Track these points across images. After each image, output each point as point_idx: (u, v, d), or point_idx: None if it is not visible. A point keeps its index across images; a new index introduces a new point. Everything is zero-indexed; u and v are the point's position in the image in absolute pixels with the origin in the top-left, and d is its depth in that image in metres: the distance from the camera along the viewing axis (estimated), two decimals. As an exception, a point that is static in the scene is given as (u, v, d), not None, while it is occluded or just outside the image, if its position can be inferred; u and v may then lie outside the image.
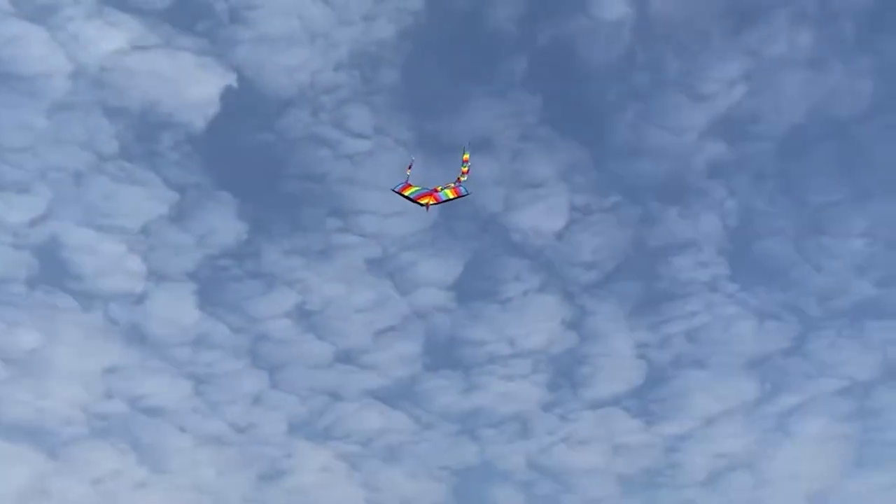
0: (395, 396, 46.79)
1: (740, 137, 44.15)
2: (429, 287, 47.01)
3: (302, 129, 45.97)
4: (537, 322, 46.20)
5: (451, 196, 26.28)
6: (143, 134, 45.74)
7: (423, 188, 26.56)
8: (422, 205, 26.12)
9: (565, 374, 46.21)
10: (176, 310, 45.13)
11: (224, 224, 46.72)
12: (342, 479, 43.94)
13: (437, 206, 26.58)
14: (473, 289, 47.36)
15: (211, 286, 47.31)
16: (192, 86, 45.59)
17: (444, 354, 47.62)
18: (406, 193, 26.21)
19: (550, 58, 43.97)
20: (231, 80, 45.26)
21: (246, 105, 46.11)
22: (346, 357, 46.47)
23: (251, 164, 47.07)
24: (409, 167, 27.28)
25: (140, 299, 44.82)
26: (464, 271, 46.58)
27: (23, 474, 41.63)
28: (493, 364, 45.94)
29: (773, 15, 42.36)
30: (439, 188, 26.75)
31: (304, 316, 46.30)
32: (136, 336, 44.61)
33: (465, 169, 27.25)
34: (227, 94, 45.40)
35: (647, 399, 45.24)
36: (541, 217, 45.67)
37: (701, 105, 43.84)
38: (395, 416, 45.30)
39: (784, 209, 45.00)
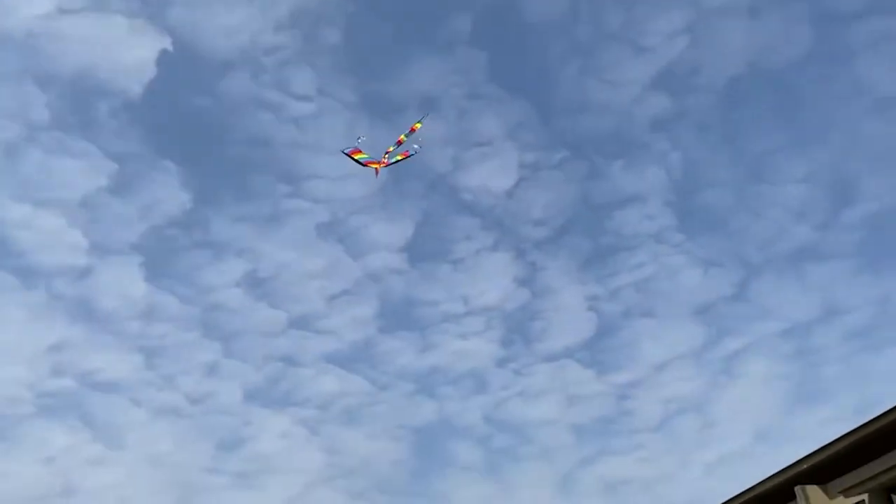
0: (352, 360, 46.88)
1: (682, 90, 44.05)
2: (380, 250, 46.50)
3: (243, 93, 44.49)
4: (490, 280, 46.19)
5: (400, 158, 25.97)
6: (77, 102, 43.94)
7: (370, 156, 26.01)
8: (371, 168, 25.65)
9: (518, 329, 46.51)
10: (122, 283, 43.93)
11: (168, 193, 45.29)
12: (302, 444, 43.82)
13: (386, 168, 25.74)
14: (425, 250, 47.01)
15: (158, 258, 46.28)
16: (126, 50, 43.56)
17: (399, 316, 47.59)
18: (356, 157, 25.60)
19: (494, 14, 43.01)
20: (166, 43, 43.19)
21: (183, 69, 44.41)
22: (300, 323, 46.09)
23: (192, 130, 45.65)
24: (359, 139, 26.68)
25: (84, 274, 43.54)
26: (415, 232, 46.14)
27: (-30, 458, 40.82)
28: (447, 323, 45.92)
29: (712, -35, 41.86)
30: (386, 155, 26.33)
31: (255, 284, 45.48)
32: (83, 311, 43.48)
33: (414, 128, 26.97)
34: (163, 58, 43.45)
35: (598, 350, 45.88)
36: (490, 175, 45.26)
37: (643, 58, 43.47)
38: (352, 379, 45.19)
39: (725, 159, 45.28)
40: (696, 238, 45.86)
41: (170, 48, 43.25)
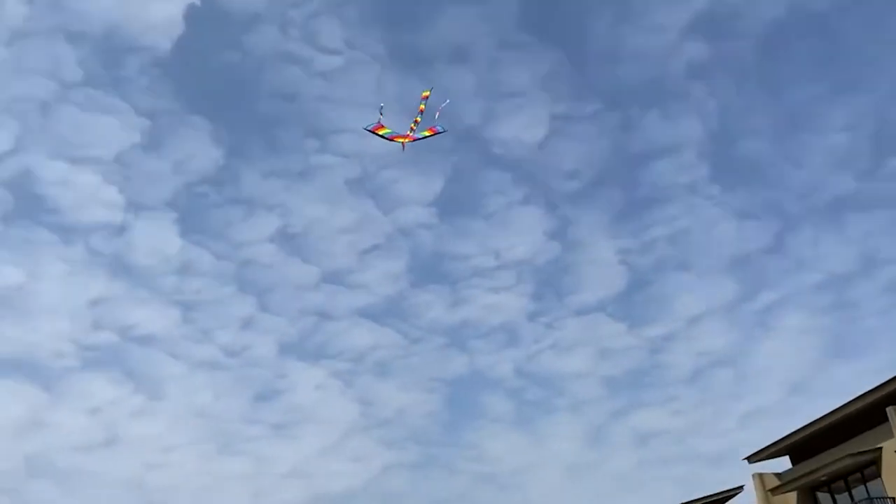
0: (384, 314, 46.15)
1: (720, 35, 42.44)
2: (410, 204, 45.47)
3: (271, 47, 43.39)
4: (520, 234, 45.12)
5: (428, 134, 25.16)
6: (109, 59, 43.05)
7: (394, 132, 25.04)
8: (397, 143, 24.96)
9: (549, 283, 45.52)
10: (158, 239, 43.27)
11: (199, 149, 44.44)
12: (336, 396, 43.37)
13: (411, 143, 24.83)
14: (455, 204, 46.00)
15: (191, 214, 45.74)
16: (154, 5, 42.52)
17: (430, 270, 46.73)
18: (380, 133, 24.81)
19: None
20: (193, -3, 42.31)
21: (211, 23, 43.28)
22: (332, 277, 45.41)
23: (221, 86, 44.60)
24: (381, 111, 25.78)
25: (121, 230, 42.96)
26: (445, 187, 45.04)
27: (18, 409, 40.72)
28: (478, 277, 44.99)
29: None
30: (413, 128, 25.32)
31: (287, 239, 44.81)
32: (120, 267, 42.99)
33: (422, 107, 25.97)
34: (191, 13, 42.53)
35: (630, 303, 44.85)
36: (521, 128, 43.98)
37: (679, 2, 41.79)
38: (384, 332, 44.49)
39: (764, 107, 43.72)
40: (733, 190, 44.54)
41: (197, 3, 42.28)
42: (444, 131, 25.39)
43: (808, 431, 12.16)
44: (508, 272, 44.88)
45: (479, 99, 43.64)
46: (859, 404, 11.51)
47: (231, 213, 45.14)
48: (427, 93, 25.56)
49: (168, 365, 42.33)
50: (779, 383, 43.97)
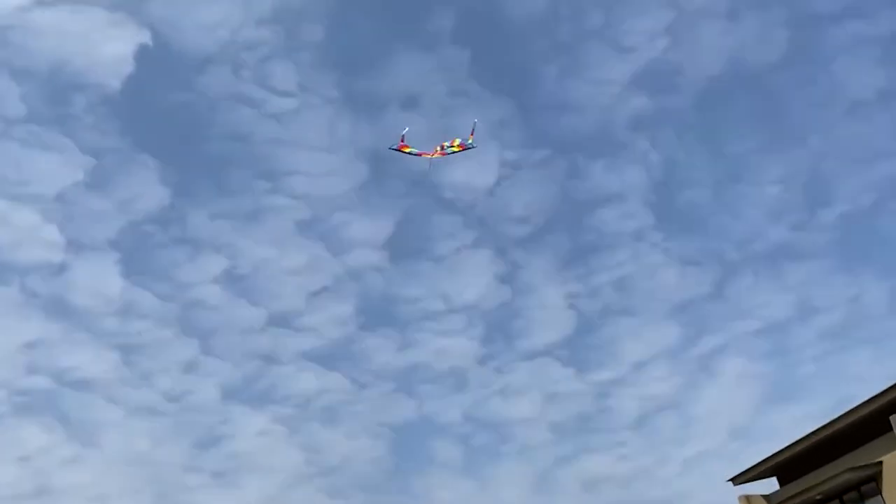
0: (331, 357, 45.00)
1: (662, 90, 43.21)
2: (361, 247, 44.74)
3: (224, 88, 42.63)
4: (471, 277, 44.65)
5: (457, 150, 25.33)
6: (54, 96, 41.72)
7: (419, 149, 25.38)
8: (426, 157, 25.23)
9: (499, 327, 45.04)
10: (99, 279, 41.55)
11: (146, 189, 43.08)
12: (280, 443, 41.63)
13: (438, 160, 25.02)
14: (406, 247, 45.40)
15: (135, 254, 43.97)
16: (104, 44, 41.54)
17: (379, 313, 45.72)
18: (407, 151, 25.05)
19: (476, 13, 41.86)
20: (146, 37, 41.34)
21: (162, 64, 42.41)
22: (279, 320, 44.03)
23: (171, 125, 43.57)
24: (404, 134, 26.07)
25: (60, 270, 41.11)
26: (396, 230, 44.51)
27: (-57, 457, 38.20)
28: (428, 321, 44.27)
29: (693, -33, 41.24)
30: (440, 148, 25.66)
31: (234, 280, 43.39)
32: (58, 308, 40.99)
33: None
34: (142, 53, 41.57)
35: (578, 348, 44.48)
36: (472, 173, 43.66)
37: (624, 58, 42.59)
38: (331, 377, 43.12)
39: (704, 159, 44.50)
40: (675, 237, 45.00)
41: (149, 43, 41.46)
42: (473, 147, 25.14)
43: (795, 450, 11.72)
44: (458, 316, 44.34)
45: (430, 144, 43.40)
46: (854, 417, 11.13)
47: (176, 253, 43.70)
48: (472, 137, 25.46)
49: (105, 410, 40.20)
50: (720, 428, 43.97)
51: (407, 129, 25.18)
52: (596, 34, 42.38)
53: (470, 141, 24.99)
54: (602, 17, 41.95)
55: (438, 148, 24.92)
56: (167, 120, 43.51)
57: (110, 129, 42.88)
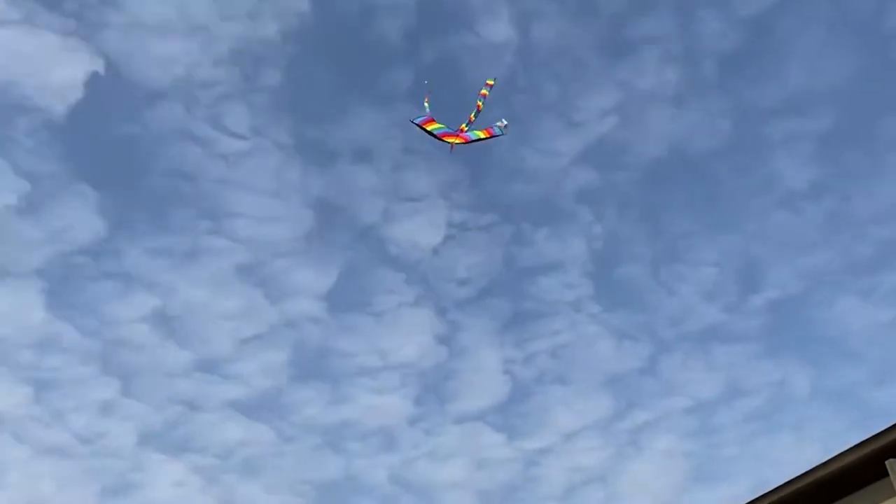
0: (258, 408, 42.71)
1: (609, 166, 43.67)
2: (300, 296, 43.29)
3: (174, 124, 41.29)
4: (409, 335, 43.45)
5: (483, 136, 21.59)
6: (-4, 116, 39.86)
7: (446, 127, 21.09)
8: (446, 142, 21.15)
9: (433, 388, 43.69)
10: (19, 309, 39.03)
11: (81, 219, 41.04)
12: (196, 494, 39.07)
13: (462, 145, 21.17)
14: (346, 300, 44.02)
15: (62, 285, 41.53)
16: (55, 68, 39.97)
17: (313, 365, 43.95)
18: (429, 128, 21.04)
19: (436, 72, 41.87)
20: (98, 65, 40.04)
21: (114, 93, 41.02)
22: (207, 366, 41.82)
23: (116, 156, 41.89)
24: (427, 98, 21.83)
25: (-23, 295, 38.64)
26: (337, 281, 43.15)
27: None
28: (362, 376, 42.68)
29: (643, 52, 42.31)
30: (465, 127, 21.40)
31: (164, 321, 41.24)
32: (-30, 335, 38.32)
33: (485, 91, 22.22)
34: (93, 81, 40.06)
35: (510, 414, 43.36)
36: (419, 231, 43.19)
37: (574, 132, 43.06)
38: (256, 428, 40.87)
39: (644, 236, 44.85)
40: (612, 310, 44.80)
41: (101, 71, 40.12)
42: (503, 134, 21.60)
43: (779, 496, 10.85)
44: (393, 373, 42.94)
45: (379, 199, 42.93)
46: (846, 461, 10.38)
47: (106, 288, 41.50)
48: (492, 81, 22.22)
49: (10, 448, 37.19)
50: (646, 504, 43.26)
51: (429, 94, 21.29)
52: (550, 107, 42.84)
53: (499, 128, 21.49)
54: (556, 92, 42.44)
55: (465, 126, 21.15)
56: (112, 150, 41.91)
57: (50, 154, 40.97)
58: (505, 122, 21.91)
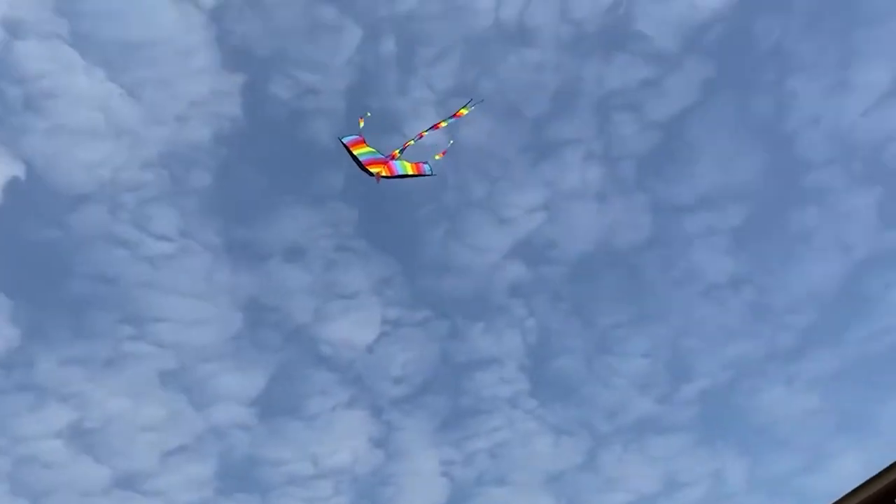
0: (182, 524, 39.72)
1: (538, 260, 43.83)
2: (228, 402, 40.99)
3: (97, 228, 39.55)
4: (343, 440, 41.43)
5: (411, 171, 19.61)
6: None
7: (377, 153, 19.14)
8: (371, 174, 19.17)
9: (368, 495, 41.31)
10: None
11: (-7, 329, 38.64)
12: None
13: (387, 179, 19.23)
14: (277, 404, 41.84)
15: (-33, 401, 38.63)
16: (-29, 174, 38.35)
17: (240, 476, 41.11)
18: (356, 152, 19.14)
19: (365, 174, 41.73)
20: (19, 170, 38.54)
21: (34, 198, 39.13)
22: (126, 482, 38.72)
23: (33, 262, 39.65)
24: (362, 119, 20.13)
25: None
26: (268, 385, 41.22)
27: None
28: (293, 485, 40.19)
29: (567, 152, 43.38)
30: (397, 153, 19.47)
31: (79, 435, 38.39)
32: None
33: (459, 114, 20.59)
34: (13, 186, 38.38)
35: (448, 520, 41.55)
36: (352, 329, 41.96)
37: (504, 228, 43.34)
38: (180, 547, 37.98)
39: (576, 329, 44.75)
40: (549, 404, 43.96)
41: (21, 176, 38.66)
42: (433, 175, 19.57)
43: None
44: (326, 481, 40.59)
45: (311, 298, 41.72)
46: (854, 500, 9.69)
47: (17, 401, 38.48)
48: (464, 110, 20.57)
49: None
50: None
51: (369, 114, 19.67)
52: (479, 204, 43.14)
53: (428, 165, 19.64)
54: (485, 190, 42.88)
55: (398, 153, 19.26)
56: (29, 256, 39.67)
57: (-38, 261, 38.70)
58: (431, 169, 20.07)
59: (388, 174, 19.31)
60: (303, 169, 41.37)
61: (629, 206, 44.13)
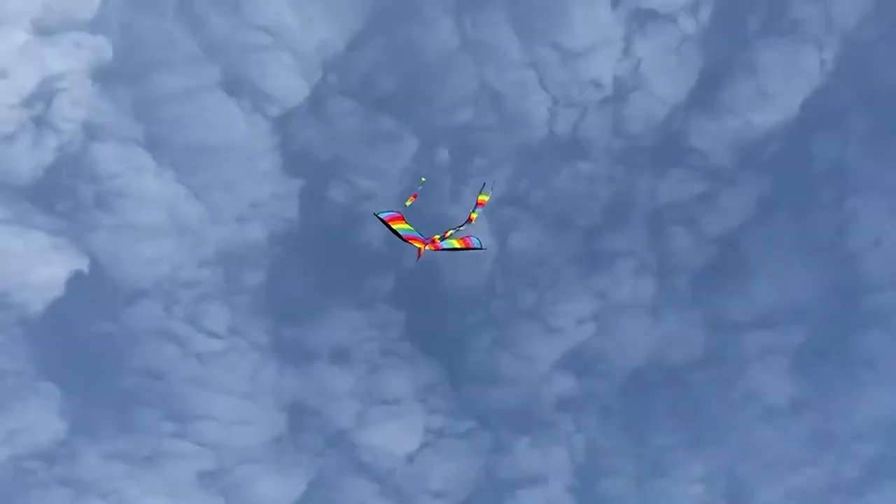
0: None
1: (587, 373, 41.75)
2: (265, 508, 39.22)
3: (151, 323, 39.36)
4: (379, 556, 38.97)
5: (458, 246, 19.16)
6: (-28, 313, 38.13)
7: (416, 231, 18.46)
8: (413, 245, 18.51)
9: None
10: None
11: (42, 419, 38.01)
12: None
13: (429, 254, 18.70)
14: (314, 512, 39.82)
15: (10, 493, 37.64)
16: (39, 267, 38.88)
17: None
18: (395, 227, 18.39)
19: (416, 278, 41.14)
20: (83, 264, 39.01)
21: (94, 292, 39.38)
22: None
23: (87, 354, 39.43)
24: (415, 195, 19.42)
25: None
26: (306, 491, 39.31)
27: None
28: None
29: (619, 263, 42.11)
30: (438, 239, 18.84)
31: (115, 533, 36.99)
32: None
33: (481, 201, 20.13)
34: (76, 279, 38.83)
35: None
36: (393, 436, 40.07)
37: (552, 338, 41.65)
38: None
39: (627, 448, 41.89)
40: (598, 529, 40.77)
41: (85, 270, 39.19)
42: (483, 248, 19.05)
43: None
44: None
45: (354, 402, 40.24)
46: None
47: (57, 495, 37.40)
48: (485, 197, 19.81)
49: None
50: None
51: (424, 180, 18.99)
52: (527, 313, 41.78)
53: (476, 239, 19.06)
54: (534, 298, 41.61)
55: (439, 238, 18.48)
56: (83, 349, 39.52)
57: (19, 352, 38.66)
58: (481, 242, 19.52)
59: (434, 248, 18.77)
60: (354, 271, 40.97)
61: (683, 321, 42.17)
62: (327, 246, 40.97)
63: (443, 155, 40.73)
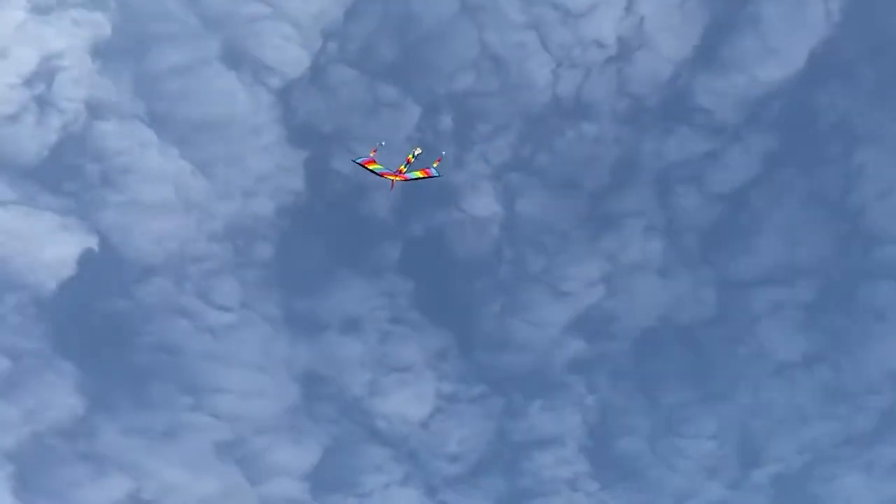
0: None
1: (598, 335, 41.33)
2: (282, 476, 39.05)
3: (162, 298, 39.12)
4: (396, 519, 39.04)
5: (421, 176, 23.83)
6: (-15, 294, 37.96)
7: (386, 167, 23.42)
8: (387, 179, 23.57)
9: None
10: (-15, 494, 35.13)
11: (59, 397, 38.01)
12: None
13: (402, 184, 23.84)
14: (331, 479, 39.50)
15: (33, 469, 37.47)
16: (49, 246, 38.62)
17: (292, 554, 39.09)
18: (371, 168, 23.40)
19: (423, 246, 40.63)
20: (92, 242, 38.71)
21: (104, 270, 39.15)
22: (180, 555, 37.20)
23: (101, 332, 39.26)
24: (375, 150, 24.33)
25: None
26: (322, 459, 39.19)
27: None
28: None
29: (627, 224, 41.47)
30: (404, 168, 23.66)
31: (137, 505, 37.21)
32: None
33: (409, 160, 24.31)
34: (86, 257, 38.57)
35: None
36: (407, 403, 39.93)
37: (562, 302, 41.21)
38: None
39: (640, 407, 41.60)
40: (611, 488, 40.45)
41: (95, 248, 38.90)
42: (440, 176, 23.68)
43: None
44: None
45: (366, 370, 40.03)
46: None
47: (79, 470, 37.53)
48: (412, 157, 24.01)
49: None
50: None
51: (384, 143, 23.41)
52: (536, 278, 41.29)
53: (435, 167, 23.50)
54: (542, 263, 41.09)
55: (403, 167, 23.11)
56: (97, 326, 39.34)
57: (35, 331, 38.51)
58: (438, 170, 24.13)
59: (403, 180, 23.49)
60: (361, 241, 40.50)
61: (693, 279, 41.58)
62: (334, 217, 40.49)
63: (446, 122, 40.08)
